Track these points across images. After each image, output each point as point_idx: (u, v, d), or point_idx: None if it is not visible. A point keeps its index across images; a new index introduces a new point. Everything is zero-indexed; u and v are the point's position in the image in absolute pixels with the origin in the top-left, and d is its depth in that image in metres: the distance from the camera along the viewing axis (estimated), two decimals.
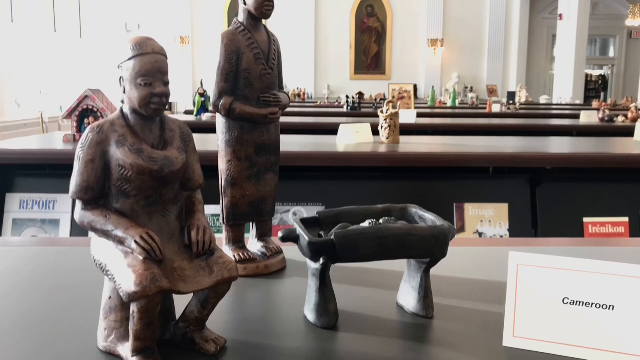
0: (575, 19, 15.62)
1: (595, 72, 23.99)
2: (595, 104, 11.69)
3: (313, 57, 19.83)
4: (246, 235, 1.51)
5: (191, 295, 0.96)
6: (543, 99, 16.00)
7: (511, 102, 10.05)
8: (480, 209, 3.15)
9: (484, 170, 3.36)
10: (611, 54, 23.19)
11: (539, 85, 21.38)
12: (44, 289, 1.30)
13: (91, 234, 0.96)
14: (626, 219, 3.12)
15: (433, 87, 11.38)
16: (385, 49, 20.06)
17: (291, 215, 3.08)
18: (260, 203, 1.47)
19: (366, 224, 1.12)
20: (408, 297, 1.18)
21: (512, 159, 3.13)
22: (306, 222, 1.17)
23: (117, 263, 0.89)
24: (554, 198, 3.19)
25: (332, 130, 3.85)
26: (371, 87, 18.94)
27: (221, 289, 0.94)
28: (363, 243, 1.05)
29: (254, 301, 1.26)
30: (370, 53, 20.11)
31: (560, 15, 16.17)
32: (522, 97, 13.82)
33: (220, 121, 1.43)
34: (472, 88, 19.13)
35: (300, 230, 1.09)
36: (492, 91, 18.01)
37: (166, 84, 0.94)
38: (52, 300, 1.23)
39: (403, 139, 3.57)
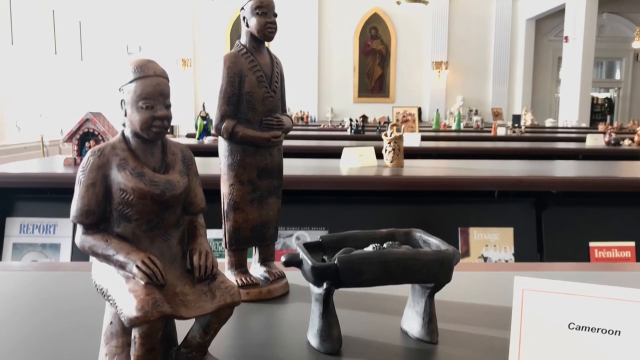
0: (581, 41, 15.66)
1: (601, 95, 24.01)
2: (601, 127, 11.70)
3: (316, 79, 19.91)
4: (249, 260, 1.51)
5: (193, 320, 0.96)
6: (549, 122, 16.04)
7: (516, 125, 10.07)
8: (485, 233, 3.15)
9: (489, 194, 3.36)
10: (617, 76, 23.24)
11: (545, 108, 21.44)
12: (44, 314, 1.30)
13: (92, 259, 0.96)
14: (632, 244, 3.11)
15: (437, 110, 11.40)
16: (389, 71, 20.15)
17: (294, 240, 3.08)
18: (262, 227, 1.47)
19: (370, 248, 1.12)
20: (412, 322, 1.18)
21: (517, 183, 3.13)
22: (309, 247, 1.17)
23: (118, 288, 0.89)
24: (559, 222, 3.18)
25: (336, 153, 3.86)
26: (375, 110, 19.02)
27: (223, 314, 0.94)
28: (367, 267, 1.06)
29: (257, 326, 1.26)
30: (374, 76, 20.20)
31: (566, 38, 16.22)
32: (527, 120, 13.86)
33: (222, 144, 1.44)
34: (477, 111, 19.21)
35: (303, 255, 1.09)
36: (497, 114, 18.06)
37: (168, 107, 0.95)
38: (52, 325, 1.23)
39: (407, 162, 3.58)
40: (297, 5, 19.40)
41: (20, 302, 1.38)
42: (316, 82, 19.92)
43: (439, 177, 3.18)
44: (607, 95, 23.92)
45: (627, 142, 5.97)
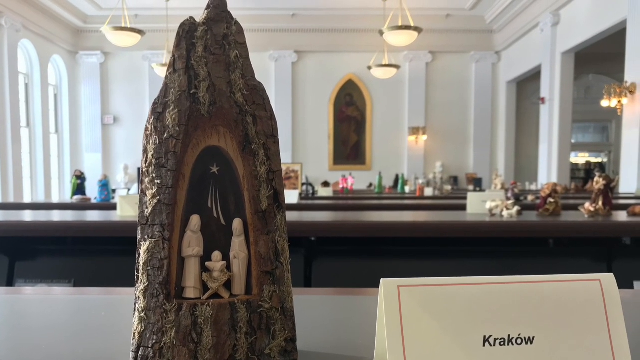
0: (557, 102, 15.71)
1: (593, 159, 24.08)
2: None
3: (290, 147, 19.94)
4: None
5: None
6: (525, 186, 15.96)
7: (478, 189, 10.12)
8: None
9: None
10: (607, 139, 23.33)
11: (530, 171, 21.35)
12: None
13: None
14: None
15: (380, 174, 11.55)
16: (365, 138, 20.22)
17: None
18: None
19: None
20: None
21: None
22: None
23: None
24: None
25: None
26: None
27: None
28: None
29: None
30: (349, 142, 20.27)
31: (542, 99, 16.29)
32: (497, 184, 13.75)
33: None
34: (456, 178, 19.28)
35: None
36: (471, 180, 18.12)
37: None
38: None
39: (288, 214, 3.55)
40: (269, 72, 19.64)
41: None
42: (290, 150, 19.93)
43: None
44: (599, 159, 23.99)
45: (530, 197, 6.02)
